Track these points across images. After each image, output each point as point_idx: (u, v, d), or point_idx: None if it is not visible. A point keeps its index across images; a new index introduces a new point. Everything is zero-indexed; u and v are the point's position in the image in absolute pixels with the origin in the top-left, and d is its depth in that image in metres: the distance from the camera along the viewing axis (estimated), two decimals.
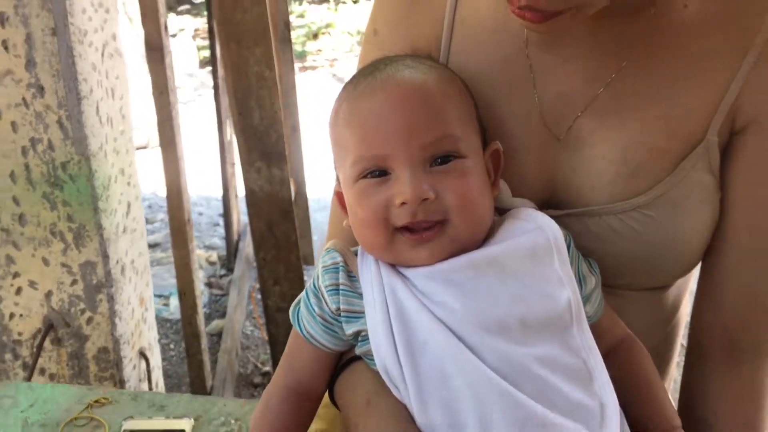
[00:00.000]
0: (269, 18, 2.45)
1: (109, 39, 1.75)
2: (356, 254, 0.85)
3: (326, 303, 0.82)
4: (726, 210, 0.89)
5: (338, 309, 0.82)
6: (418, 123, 0.79)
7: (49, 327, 1.83)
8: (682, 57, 0.85)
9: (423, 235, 0.79)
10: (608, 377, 0.79)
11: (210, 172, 4.54)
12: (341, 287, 0.82)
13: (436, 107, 0.80)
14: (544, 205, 0.90)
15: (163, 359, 2.99)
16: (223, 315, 3.56)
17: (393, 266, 0.81)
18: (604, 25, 0.86)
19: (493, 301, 0.77)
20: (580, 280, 0.84)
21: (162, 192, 4.60)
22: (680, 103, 0.85)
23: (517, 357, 0.75)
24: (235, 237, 4.02)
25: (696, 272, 0.97)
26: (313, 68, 7.94)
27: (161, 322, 3.47)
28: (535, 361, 0.75)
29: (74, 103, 1.61)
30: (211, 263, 4.06)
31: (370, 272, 0.81)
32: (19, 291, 1.79)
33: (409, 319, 0.77)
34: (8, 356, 1.86)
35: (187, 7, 9.75)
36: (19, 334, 1.84)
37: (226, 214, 3.94)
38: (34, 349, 1.83)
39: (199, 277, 3.08)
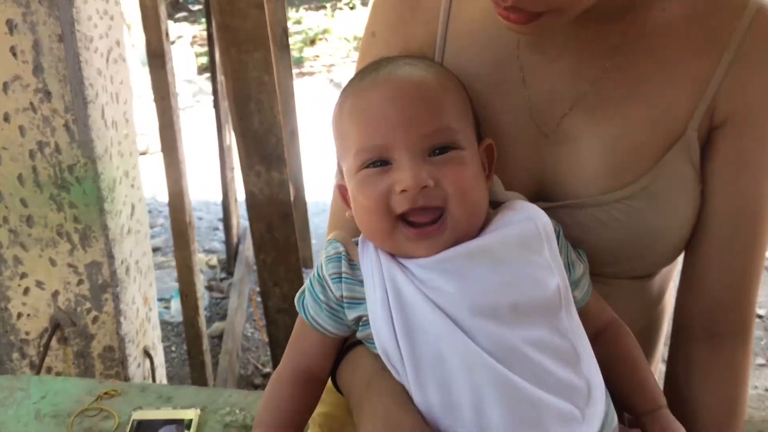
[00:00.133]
0: (267, 24, 2.50)
1: (114, 45, 1.80)
2: (357, 244, 0.89)
3: (330, 290, 0.87)
4: (706, 201, 0.94)
5: (341, 296, 0.86)
6: (418, 115, 0.83)
7: (55, 326, 1.87)
8: (662, 57, 0.90)
9: (423, 230, 0.83)
10: (595, 359, 0.83)
11: (209, 177, 4.59)
12: (343, 275, 0.86)
13: (434, 101, 0.85)
14: (534, 198, 0.94)
15: (165, 361, 3.03)
16: (223, 317, 3.61)
17: (392, 255, 0.86)
18: (589, 28, 0.91)
19: (486, 286, 0.81)
20: (569, 267, 0.88)
21: (162, 197, 4.65)
22: (661, 100, 0.90)
23: (509, 339, 0.79)
24: (235, 240, 4.07)
25: (680, 261, 1.02)
26: (311, 74, 7.99)
27: (162, 324, 3.50)
28: (526, 343, 0.79)
29: (80, 108, 1.66)
30: (212, 267, 4.11)
31: (370, 261, 0.86)
32: (26, 291, 1.83)
33: (407, 304, 0.82)
34: (16, 355, 1.91)
35: (184, 14, 9.81)
36: (27, 333, 1.88)
37: (226, 218, 3.98)
38: (41, 348, 1.88)
39: (200, 280, 3.13)
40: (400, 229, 0.84)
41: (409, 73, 0.87)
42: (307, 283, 0.91)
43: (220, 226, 4.42)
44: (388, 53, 0.97)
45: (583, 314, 0.87)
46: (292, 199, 2.91)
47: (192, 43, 8.23)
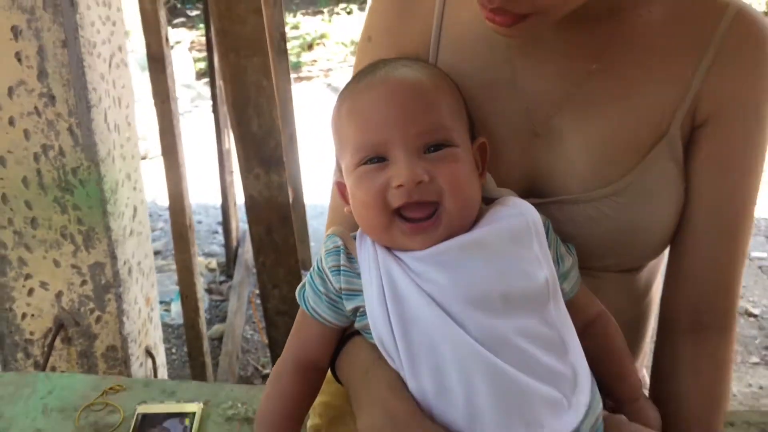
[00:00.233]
0: (266, 29, 2.54)
1: (116, 50, 1.84)
2: (355, 239, 0.93)
3: (330, 282, 0.91)
4: (690, 198, 0.98)
5: (340, 288, 0.90)
6: (413, 114, 0.87)
7: (59, 326, 1.91)
8: (647, 58, 0.94)
9: (419, 225, 0.87)
10: (581, 348, 0.87)
11: (208, 181, 4.62)
12: (342, 268, 0.90)
13: (429, 100, 0.89)
14: (526, 195, 0.98)
15: (166, 363, 3.06)
16: (223, 320, 3.64)
17: (388, 249, 0.90)
18: (577, 30, 0.95)
19: (477, 278, 0.85)
20: (558, 261, 0.92)
21: (161, 201, 4.70)
22: (646, 100, 0.94)
23: (499, 329, 0.83)
24: (234, 244, 4.10)
25: (666, 255, 1.05)
26: (308, 78, 8.04)
27: (163, 327, 3.53)
28: (515, 333, 0.83)
29: (84, 112, 1.70)
30: (211, 270, 4.14)
31: (367, 254, 0.89)
32: (31, 292, 1.87)
33: (402, 295, 0.85)
34: (20, 355, 1.94)
35: (182, 20, 9.86)
36: (31, 333, 1.92)
37: (225, 222, 4.02)
38: (45, 348, 1.91)
39: (200, 282, 3.16)
40: (396, 223, 0.87)
41: (404, 75, 0.91)
42: (308, 275, 0.95)
43: (220, 229, 4.46)
44: (384, 56, 1.01)
45: (573, 306, 0.91)
46: (290, 202, 2.94)
47: (190, 49, 8.28)
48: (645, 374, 1.15)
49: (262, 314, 3.19)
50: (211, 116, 3.84)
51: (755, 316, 3.60)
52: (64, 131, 1.71)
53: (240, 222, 4.17)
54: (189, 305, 2.87)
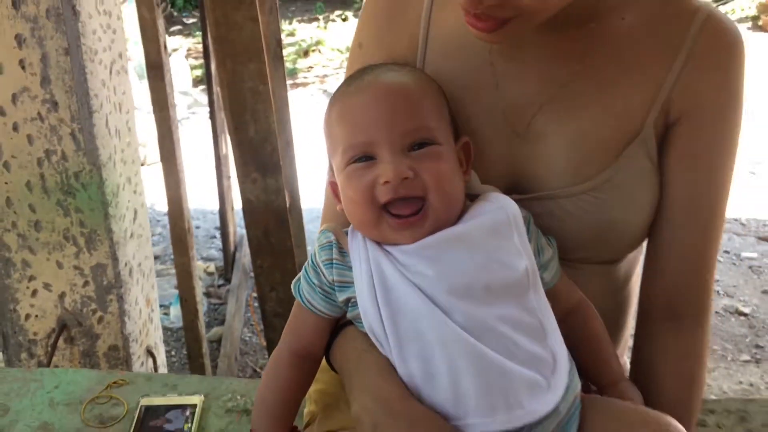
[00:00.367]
0: (262, 36, 2.59)
1: (117, 57, 1.89)
2: (347, 234, 0.99)
3: (323, 275, 0.96)
4: (664, 193, 1.03)
5: (333, 280, 0.95)
6: (399, 115, 0.93)
7: (62, 327, 1.96)
8: (621, 61, 1.00)
9: (406, 221, 0.92)
10: (559, 333, 0.92)
11: (205, 187, 4.67)
12: (334, 261, 0.96)
13: (414, 102, 0.95)
14: (509, 191, 1.03)
15: (165, 366, 3.11)
16: (221, 323, 3.69)
17: (378, 243, 0.95)
18: (556, 36, 1.00)
19: (461, 269, 0.90)
20: (538, 252, 0.98)
21: (159, 206, 4.74)
22: (620, 100, 1.00)
23: (482, 316, 0.88)
24: (232, 248, 4.15)
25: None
26: (305, 85, 8.09)
27: (162, 330, 3.58)
28: (497, 320, 0.88)
29: (86, 117, 1.75)
30: (209, 274, 4.19)
31: (358, 248, 0.95)
32: (34, 293, 1.92)
33: (390, 286, 0.91)
34: (24, 355, 1.99)
35: (179, 27, 9.92)
36: (35, 333, 1.97)
37: (223, 226, 4.07)
38: (49, 348, 1.96)
39: (199, 285, 3.21)
40: (385, 219, 0.93)
41: (390, 79, 0.97)
42: (303, 269, 1.00)
43: (217, 234, 4.51)
44: (375, 62, 1.06)
45: (553, 295, 0.97)
46: (287, 206, 2.99)
47: (187, 56, 8.33)
48: (626, 361, 1.21)
49: (260, 317, 3.24)
50: (208, 123, 3.90)
51: (745, 314, 3.65)
52: (66, 136, 1.76)
53: (237, 227, 4.22)
54: (188, 308, 2.92)
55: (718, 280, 3.93)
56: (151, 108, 2.77)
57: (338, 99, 0.98)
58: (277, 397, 0.99)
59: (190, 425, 1.25)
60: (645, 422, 0.87)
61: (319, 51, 9.12)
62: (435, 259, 0.91)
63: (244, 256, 4.01)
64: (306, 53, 9.05)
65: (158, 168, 2.88)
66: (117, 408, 1.31)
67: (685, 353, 1.06)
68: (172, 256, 3.49)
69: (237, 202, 3.06)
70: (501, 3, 0.86)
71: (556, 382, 0.88)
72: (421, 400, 0.88)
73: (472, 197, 1.01)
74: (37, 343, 1.98)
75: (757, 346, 3.44)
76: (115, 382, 1.37)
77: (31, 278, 1.90)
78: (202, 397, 1.32)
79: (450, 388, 0.86)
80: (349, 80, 1.00)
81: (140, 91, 4.87)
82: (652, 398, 1.02)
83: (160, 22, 2.60)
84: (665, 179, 1.03)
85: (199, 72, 7.62)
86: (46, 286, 1.91)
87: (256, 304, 3.72)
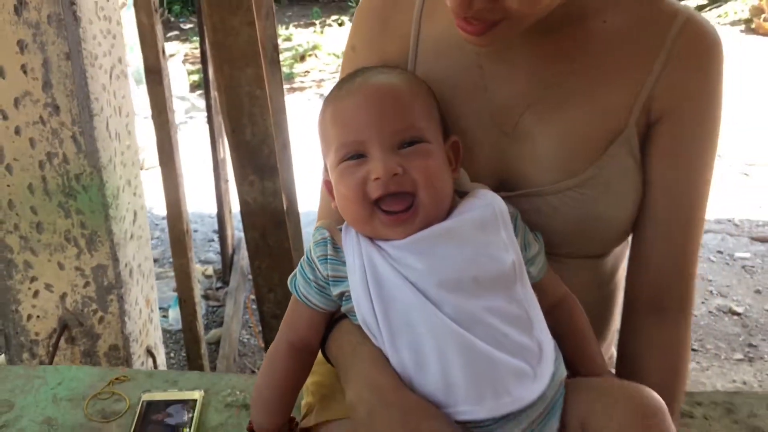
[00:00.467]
0: (259, 41, 2.62)
1: (116, 62, 1.93)
2: (341, 231, 1.02)
3: (318, 270, 1.00)
4: (647, 189, 1.07)
5: (327, 275, 0.99)
6: (388, 115, 0.97)
7: (63, 327, 1.99)
8: (604, 62, 1.04)
9: (397, 217, 0.96)
10: (546, 324, 0.96)
11: (203, 190, 4.70)
12: (329, 257, 0.99)
13: (404, 102, 0.98)
14: (497, 188, 1.07)
15: (165, 366, 3.14)
16: (220, 325, 3.72)
17: (370, 239, 0.99)
18: (542, 38, 1.04)
19: (450, 263, 0.94)
20: (525, 247, 1.01)
21: (157, 210, 4.78)
22: (604, 100, 1.04)
23: (470, 308, 0.92)
24: (230, 251, 4.18)
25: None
26: (301, 89, 8.13)
27: (161, 332, 3.62)
28: (485, 311, 0.92)
29: (86, 120, 1.79)
30: (207, 277, 4.22)
31: (352, 244, 0.98)
32: (36, 294, 1.95)
33: (382, 279, 0.94)
34: (26, 355, 2.02)
35: (176, 33, 9.96)
36: (36, 334, 2.00)
37: (221, 229, 4.10)
38: (50, 348, 1.99)
39: (198, 286, 3.24)
40: (377, 215, 0.96)
41: (381, 81, 1.01)
42: (298, 265, 1.04)
43: (215, 237, 4.54)
44: (368, 64, 1.10)
45: (540, 289, 1.00)
46: (285, 208, 3.02)
47: (184, 61, 8.36)
48: (613, 352, 1.24)
49: (258, 319, 3.27)
50: (205, 127, 3.93)
51: (739, 314, 3.69)
52: (67, 139, 1.80)
53: (235, 230, 4.25)
54: (187, 308, 2.95)
55: (711, 280, 3.97)
56: (148, 113, 2.79)
57: (331, 101, 1.02)
58: (274, 389, 1.03)
59: (191, 414, 1.29)
60: (628, 396, 0.90)
61: (316, 55, 9.16)
62: (425, 254, 0.95)
63: (242, 259, 4.04)
64: (302, 58, 9.09)
65: (156, 172, 2.91)
66: (119, 403, 1.35)
67: (669, 344, 1.10)
68: (170, 260, 3.52)
69: (235, 205, 3.09)
70: (490, 7, 0.89)
71: (542, 371, 0.92)
72: (413, 389, 0.91)
73: (461, 194, 1.05)
74: (39, 344, 2.01)
75: (750, 345, 3.48)
76: (117, 379, 1.40)
77: (33, 279, 1.94)
78: (202, 392, 1.35)
79: (440, 377, 0.90)
80: (342, 83, 1.04)
81: (137, 97, 4.90)
82: None
83: (159, 28, 2.64)
84: (647, 177, 1.07)
85: (196, 77, 7.66)
86: (48, 286, 1.95)
87: (254, 307, 3.76)
